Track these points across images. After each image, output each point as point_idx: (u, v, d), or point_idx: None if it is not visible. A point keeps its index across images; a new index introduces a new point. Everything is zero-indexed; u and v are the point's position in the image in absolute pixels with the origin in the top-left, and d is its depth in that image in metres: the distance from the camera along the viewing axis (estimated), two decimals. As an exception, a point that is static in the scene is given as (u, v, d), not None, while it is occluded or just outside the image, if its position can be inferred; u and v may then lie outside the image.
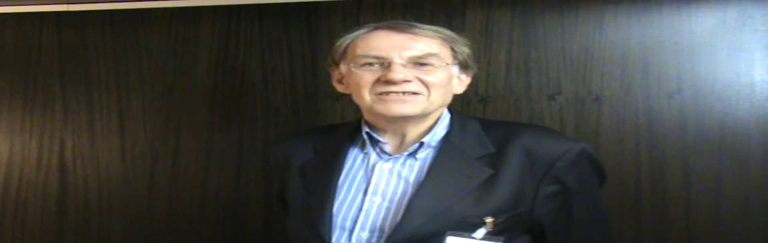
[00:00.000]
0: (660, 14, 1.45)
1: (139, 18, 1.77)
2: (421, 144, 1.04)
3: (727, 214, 1.40)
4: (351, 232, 1.00)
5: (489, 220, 0.95)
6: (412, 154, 1.05)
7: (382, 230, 0.98)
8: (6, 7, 1.84)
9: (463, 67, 1.09)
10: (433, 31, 1.04)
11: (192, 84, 1.73)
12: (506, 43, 1.52)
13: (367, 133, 1.07)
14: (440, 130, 1.06)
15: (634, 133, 1.45)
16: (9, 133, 1.86)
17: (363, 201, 1.02)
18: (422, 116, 1.04)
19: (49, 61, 1.83)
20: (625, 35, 1.46)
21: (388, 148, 1.07)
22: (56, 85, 1.82)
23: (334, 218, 1.01)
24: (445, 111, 1.10)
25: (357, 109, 1.62)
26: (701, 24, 1.43)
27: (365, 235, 0.99)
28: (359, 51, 1.03)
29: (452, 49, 1.06)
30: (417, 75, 1.01)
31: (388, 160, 1.05)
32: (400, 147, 1.07)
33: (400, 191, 1.01)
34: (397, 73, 0.99)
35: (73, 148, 1.81)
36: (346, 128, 1.15)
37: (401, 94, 1.00)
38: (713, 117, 1.41)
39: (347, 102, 1.63)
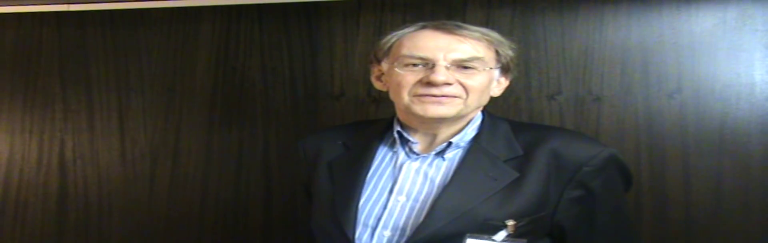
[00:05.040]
0: (660, 14, 1.45)
1: (139, 18, 1.77)
2: (450, 144, 1.04)
3: (727, 214, 1.40)
4: (374, 229, 1.01)
5: (510, 223, 0.96)
6: (440, 154, 1.05)
7: (404, 229, 0.99)
8: (6, 7, 1.84)
9: (505, 70, 1.09)
10: (481, 33, 1.04)
11: (192, 84, 1.73)
12: (509, 39, 1.52)
13: (398, 132, 1.08)
14: (471, 132, 1.07)
15: (634, 133, 1.45)
16: (9, 133, 1.86)
17: (388, 199, 1.03)
18: (456, 118, 1.05)
19: (49, 61, 1.83)
20: (625, 35, 1.46)
21: (417, 147, 1.07)
22: (56, 85, 1.82)
23: (358, 215, 1.02)
24: (479, 112, 1.10)
25: (357, 110, 1.64)
26: (701, 24, 1.43)
27: (387, 233, 1.00)
28: (405, 50, 1.03)
29: (497, 53, 1.06)
30: (458, 78, 1.01)
31: (415, 159, 1.06)
32: (430, 147, 1.08)
33: (425, 191, 1.02)
34: (440, 75, 0.99)
35: (73, 148, 1.81)
36: (378, 126, 1.15)
37: (439, 97, 1.01)
38: (713, 117, 1.41)
39: (347, 102, 1.63)
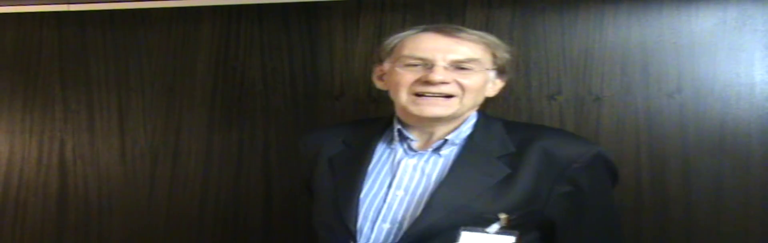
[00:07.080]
0: (660, 14, 1.45)
1: (139, 18, 1.77)
2: (446, 141, 1.09)
3: (727, 214, 1.40)
4: (374, 222, 1.05)
5: (503, 216, 1.00)
6: (437, 151, 1.10)
7: (402, 222, 1.04)
8: (6, 7, 1.84)
9: (500, 72, 1.14)
10: (478, 36, 1.10)
11: (192, 84, 1.73)
12: (506, 43, 1.52)
13: (398, 130, 1.12)
14: (466, 130, 1.12)
15: (634, 133, 1.45)
16: (9, 133, 1.86)
17: (387, 194, 1.08)
18: (452, 117, 1.10)
19: (49, 61, 1.83)
20: (625, 35, 1.46)
21: (415, 145, 1.12)
22: (56, 85, 1.82)
23: (359, 208, 1.06)
24: (474, 112, 1.15)
25: (357, 109, 1.64)
26: (701, 24, 1.43)
27: (386, 226, 1.04)
28: (406, 51, 1.09)
29: (493, 55, 1.12)
30: (455, 77, 1.07)
31: (413, 156, 1.11)
32: (427, 144, 1.12)
33: (422, 186, 1.07)
34: (438, 74, 1.05)
35: (73, 148, 1.81)
36: (378, 124, 1.20)
37: (437, 97, 1.06)
38: (713, 117, 1.41)
39: (347, 102, 1.63)
